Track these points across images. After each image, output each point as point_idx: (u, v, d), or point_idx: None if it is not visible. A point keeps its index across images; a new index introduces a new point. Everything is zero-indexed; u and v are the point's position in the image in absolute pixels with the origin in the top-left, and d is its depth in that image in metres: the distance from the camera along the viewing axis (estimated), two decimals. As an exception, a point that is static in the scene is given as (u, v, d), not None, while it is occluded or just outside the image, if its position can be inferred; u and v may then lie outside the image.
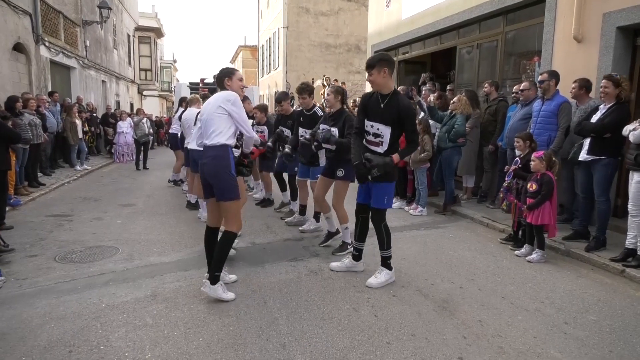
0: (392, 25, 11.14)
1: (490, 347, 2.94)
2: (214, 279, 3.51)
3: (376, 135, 3.78)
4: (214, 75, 3.98)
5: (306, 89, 5.47)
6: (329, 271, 4.28)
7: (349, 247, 4.77)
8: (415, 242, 5.35)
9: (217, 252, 3.55)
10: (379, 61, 3.67)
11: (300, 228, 5.71)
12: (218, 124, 3.53)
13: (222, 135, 3.52)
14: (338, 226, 4.99)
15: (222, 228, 3.76)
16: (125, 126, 13.65)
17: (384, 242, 3.94)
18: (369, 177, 3.72)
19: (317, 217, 5.69)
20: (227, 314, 3.36)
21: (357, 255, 4.27)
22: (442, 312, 3.46)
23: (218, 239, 3.69)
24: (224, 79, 3.72)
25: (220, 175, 3.49)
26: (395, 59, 11.66)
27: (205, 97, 5.67)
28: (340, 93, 4.88)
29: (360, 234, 4.20)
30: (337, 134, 4.70)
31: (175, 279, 4.05)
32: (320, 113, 5.42)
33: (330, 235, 5.15)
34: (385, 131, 3.74)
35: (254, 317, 3.31)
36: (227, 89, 3.68)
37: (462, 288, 3.95)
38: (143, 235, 5.50)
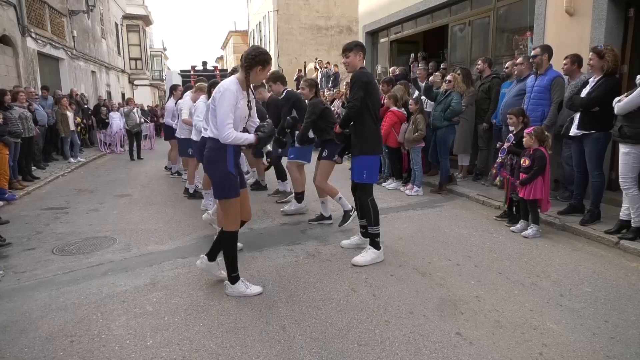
0: (383, 5, 11.01)
1: (488, 322, 2.98)
2: (232, 280, 3.45)
3: None
4: (233, 64, 3.60)
5: (272, 77, 5.75)
6: (327, 254, 4.31)
7: (351, 214, 5.01)
8: (412, 221, 5.37)
9: (223, 255, 3.43)
10: (356, 46, 3.99)
11: (282, 209, 5.81)
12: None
13: None
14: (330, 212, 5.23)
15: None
16: (117, 116, 13.57)
17: (371, 217, 4.01)
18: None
19: (298, 198, 5.76)
20: (226, 299, 3.39)
21: (365, 232, 4.32)
22: (439, 289, 3.50)
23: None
24: (258, 66, 3.21)
25: (212, 169, 3.27)
26: (387, 39, 11.58)
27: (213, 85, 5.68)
28: (314, 86, 5.31)
29: (362, 212, 4.28)
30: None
31: (173, 267, 4.07)
32: (293, 92, 5.80)
33: (322, 217, 5.29)
34: None
35: (253, 301, 3.34)
36: (252, 75, 3.23)
37: (459, 265, 3.98)
38: (140, 225, 5.50)
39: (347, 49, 3.97)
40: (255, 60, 3.20)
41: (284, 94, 5.76)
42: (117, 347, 2.77)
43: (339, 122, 4.11)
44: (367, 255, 4.00)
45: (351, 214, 5.00)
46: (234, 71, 4.46)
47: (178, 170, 9.15)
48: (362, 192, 4.07)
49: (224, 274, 3.84)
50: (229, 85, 3.16)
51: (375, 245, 4.04)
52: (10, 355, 2.72)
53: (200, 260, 3.64)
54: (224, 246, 3.42)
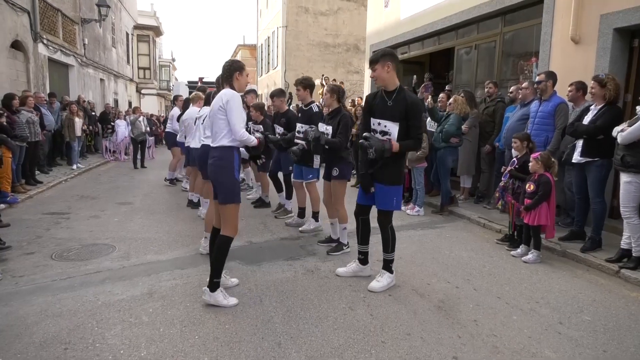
0: (391, 25, 11.16)
1: (485, 347, 2.96)
2: (213, 286, 3.43)
3: (383, 133, 3.72)
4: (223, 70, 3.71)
5: (302, 82, 5.41)
6: (326, 270, 4.29)
7: (344, 247, 4.82)
8: (412, 241, 5.36)
9: (214, 257, 3.45)
10: (382, 56, 3.65)
11: (300, 229, 5.69)
12: (222, 125, 3.45)
13: (226, 137, 3.45)
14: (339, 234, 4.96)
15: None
16: (122, 124, 13.68)
17: (389, 244, 3.87)
18: (369, 157, 3.62)
19: (316, 217, 5.68)
20: (223, 312, 3.37)
21: (363, 259, 4.15)
22: (437, 311, 3.47)
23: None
24: (235, 72, 3.54)
25: (221, 177, 3.45)
26: (393, 59, 11.67)
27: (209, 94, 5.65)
28: (336, 92, 4.92)
29: (363, 237, 4.10)
30: (331, 131, 4.74)
31: (171, 277, 4.05)
32: (315, 109, 5.42)
33: (331, 240, 5.07)
34: (393, 128, 3.66)
35: (250, 316, 3.32)
36: (234, 83, 3.55)
37: (458, 288, 3.96)
38: (140, 234, 5.50)
39: (373, 61, 3.67)
40: (231, 68, 3.55)
41: (311, 105, 5.44)
42: (110, 357, 2.75)
43: (402, 144, 3.66)
44: (383, 280, 3.88)
45: (345, 248, 4.82)
46: (218, 80, 4.38)
47: (176, 177, 9.23)
48: (384, 218, 3.88)
49: (235, 280, 3.87)
50: (232, 92, 3.49)
51: (390, 270, 3.93)
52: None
53: (204, 294, 3.51)
54: (220, 250, 3.44)
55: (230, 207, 3.44)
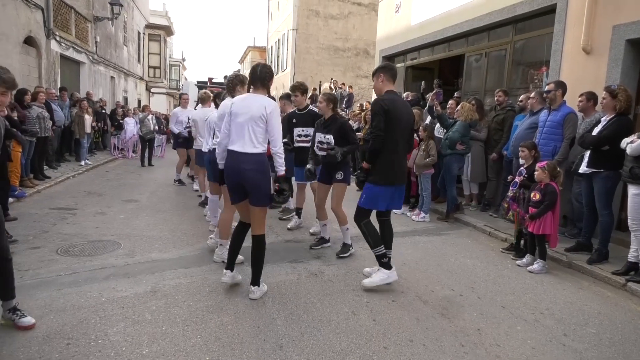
0: (401, 31, 11.15)
1: (488, 356, 2.93)
2: (259, 283, 3.69)
3: None
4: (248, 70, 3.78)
5: (299, 87, 5.62)
6: (329, 274, 4.29)
7: (351, 248, 4.86)
8: (417, 248, 5.34)
9: (256, 259, 3.63)
10: (377, 70, 4.01)
11: (311, 230, 5.71)
12: (259, 132, 3.49)
13: (262, 145, 3.52)
14: (343, 233, 4.98)
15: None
16: (131, 122, 13.77)
17: (368, 240, 3.94)
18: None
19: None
20: (225, 312, 3.37)
21: (386, 263, 4.09)
22: (440, 319, 3.45)
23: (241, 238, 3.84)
24: (271, 78, 3.68)
25: (261, 182, 3.49)
26: (403, 64, 11.68)
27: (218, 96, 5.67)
28: (332, 101, 4.99)
29: (383, 239, 4.05)
30: (332, 139, 4.82)
31: (175, 276, 4.06)
32: (314, 110, 5.50)
33: (323, 241, 5.15)
34: None
35: (252, 317, 3.32)
36: (267, 88, 3.64)
37: (462, 296, 3.93)
38: (145, 232, 5.52)
39: (373, 75, 4.02)
40: (271, 72, 3.70)
41: (309, 108, 5.71)
42: (112, 354, 2.76)
43: (366, 158, 3.95)
44: (376, 276, 3.92)
45: (350, 248, 4.86)
46: (231, 82, 4.43)
47: (180, 179, 9.25)
48: (355, 213, 3.98)
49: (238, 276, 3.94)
50: (274, 102, 3.59)
51: (385, 265, 3.92)
52: (6, 353, 2.72)
53: (252, 294, 3.67)
54: (261, 249, 3.65)
55: (264, 208, 3.63)
